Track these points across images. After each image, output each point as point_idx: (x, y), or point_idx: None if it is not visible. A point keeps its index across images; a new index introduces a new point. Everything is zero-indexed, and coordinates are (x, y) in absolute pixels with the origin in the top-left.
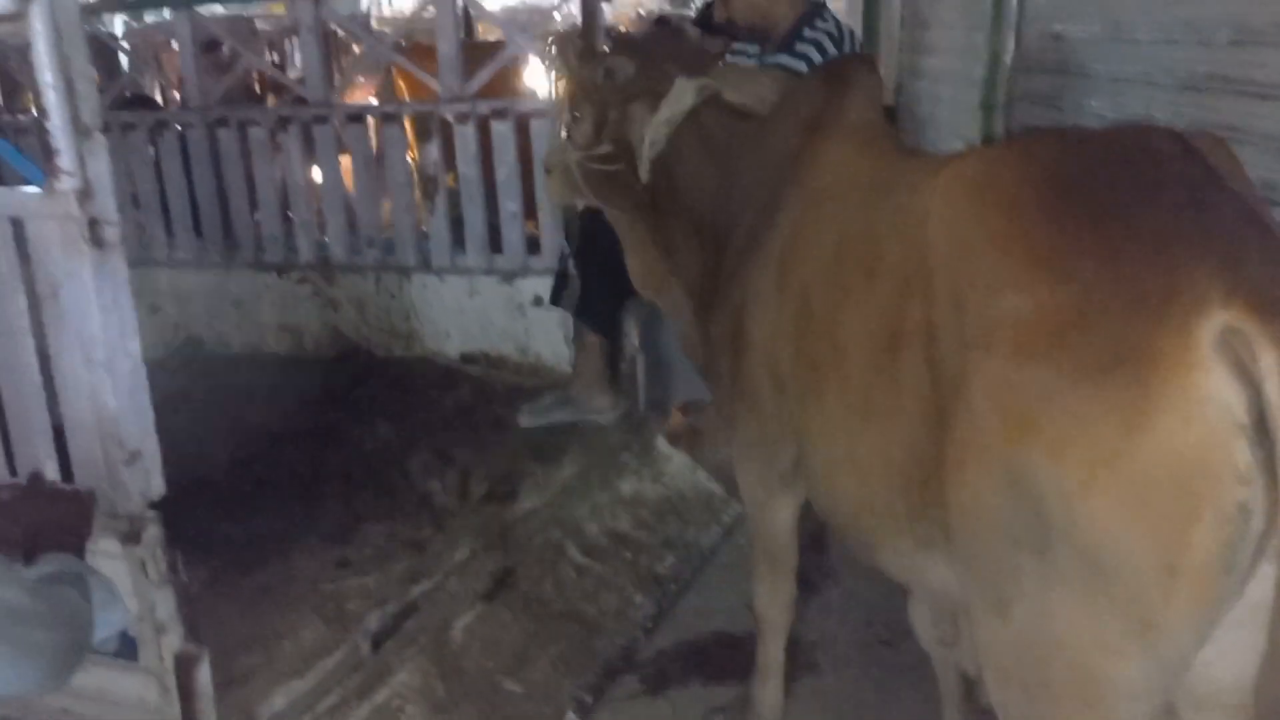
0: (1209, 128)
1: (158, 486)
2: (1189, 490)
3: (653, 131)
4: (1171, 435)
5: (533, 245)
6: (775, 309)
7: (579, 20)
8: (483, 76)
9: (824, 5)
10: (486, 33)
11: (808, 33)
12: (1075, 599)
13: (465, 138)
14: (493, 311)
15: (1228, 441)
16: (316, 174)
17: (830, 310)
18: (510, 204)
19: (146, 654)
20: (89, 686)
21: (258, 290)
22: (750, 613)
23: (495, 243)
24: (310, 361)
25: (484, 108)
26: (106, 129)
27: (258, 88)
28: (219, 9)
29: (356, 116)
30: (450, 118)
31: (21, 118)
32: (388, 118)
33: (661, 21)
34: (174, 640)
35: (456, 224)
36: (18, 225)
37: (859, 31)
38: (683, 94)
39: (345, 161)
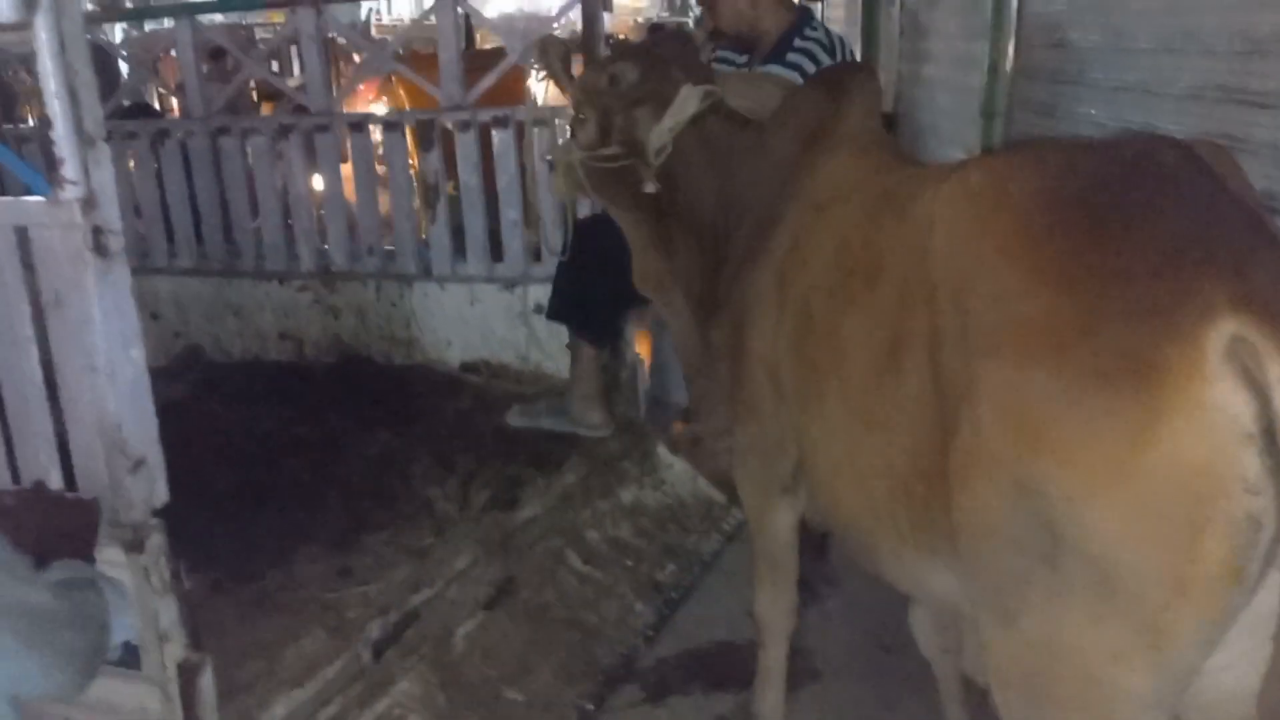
0: (1209, 137)
1: (161, 494)
2: (1198, 500)
3: (658, 137)
4: (1180, 445)
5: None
6: (776, 316)
7: (579, 28)
8: (483, 84)
9: (812, 14)
10: (485, 41)
11: (799, 42)
12: (1083, 609)
13: (466, 146)
14: (494, 319)
15: (1236, 451)
16: (318, 182)
17: (831, 317)
18: (511, 212)
19: (149, 662)
20: (91, 695)
21: (259, 298)
22: (751, 620)
23: (496, 251)
24: (311, 369)
25: (485, 116)
26: (109, 137)
27: (254, 95)
28: (218, 18)
29: (358, 125)
30: (451, 126)
31: (21, 126)
32: (389, 126)
33: (656, 28)
34: (177, 649)
35: (457, 232)
36: (22, 234)
37: (858, 40)
38: (688, 100)
39: (346, 170)
